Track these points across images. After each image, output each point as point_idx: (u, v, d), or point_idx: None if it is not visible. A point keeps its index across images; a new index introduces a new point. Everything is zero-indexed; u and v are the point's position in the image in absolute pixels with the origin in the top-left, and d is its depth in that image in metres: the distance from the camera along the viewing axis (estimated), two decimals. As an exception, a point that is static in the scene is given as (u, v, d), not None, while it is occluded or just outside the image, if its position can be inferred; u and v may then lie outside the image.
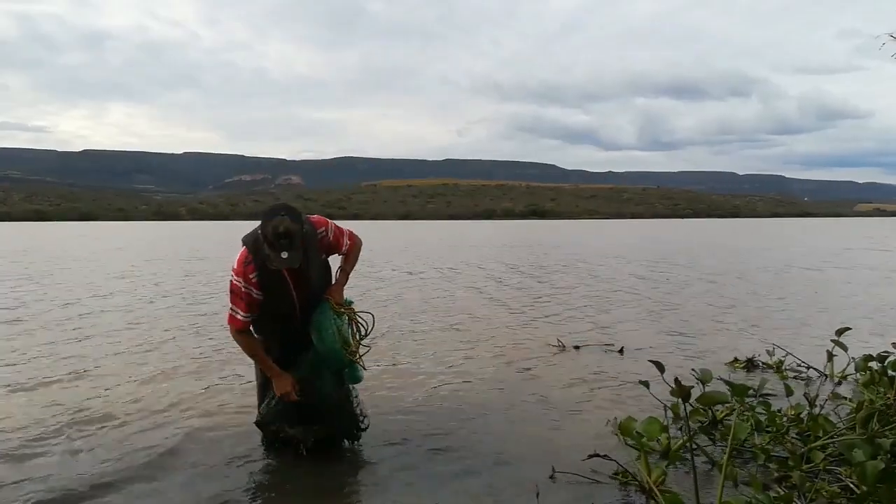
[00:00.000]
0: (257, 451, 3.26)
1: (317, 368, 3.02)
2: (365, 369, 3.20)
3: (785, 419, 3.39)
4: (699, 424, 3.29)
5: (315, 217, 3.05)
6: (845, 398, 3.94)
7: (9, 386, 4.54)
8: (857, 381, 4.27)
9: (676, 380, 2.39)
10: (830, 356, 4.61)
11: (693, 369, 2.90)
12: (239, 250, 2.92)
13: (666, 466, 2.85)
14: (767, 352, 5.25)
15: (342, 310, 3.04)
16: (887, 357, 3.82)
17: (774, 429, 3.22)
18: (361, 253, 3.28)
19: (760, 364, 5.11)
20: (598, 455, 3.02)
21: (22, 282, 12.11)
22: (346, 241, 3.14)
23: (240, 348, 3.06)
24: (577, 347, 5.83)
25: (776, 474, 2.82)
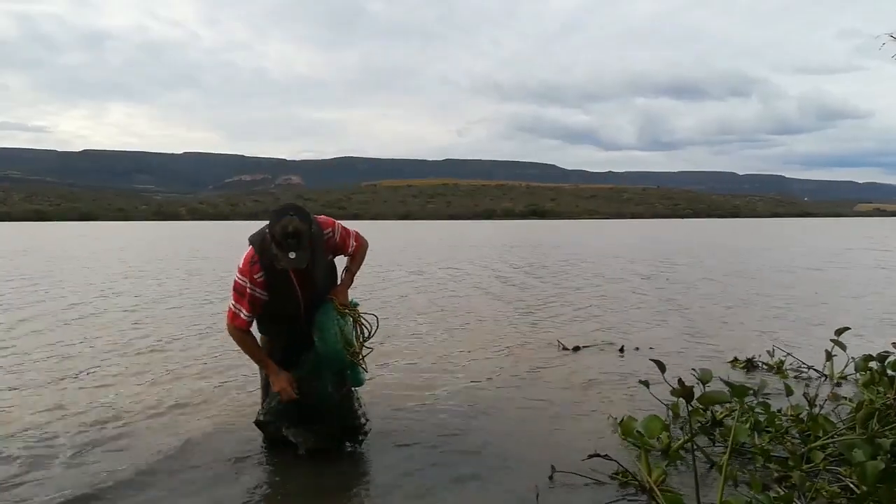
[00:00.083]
0: (259, 452, 3.27)
1: (318, 369, 3.02)
2: (366, 371, 3.20)
3: (785, 419, 3.40)
4: (699, 424, 3.30)
5: (322, 217, 3.04)
6: (845, 398, 3.95)
7: (13, 387, 4.54)
8: (857, 381, 4.27)
9: (679, 380, 2.40)
10: (829, 356, 4.61)
11: (693, 369, 2.91)
12: (245, 250, 2.91)
13: (666, 466, 2.85)
14: (768, 352, 5.26)
15: (346, 311, 3.03)
16: (887, 357, 3.82)
17: (774, 429, 3.22)
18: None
19: (760, 364, 5.11)
20: (598, 455, 3.02)
21: (25, 282, 12.12)
22: (352, 242, 3.13)
23: (238, 347, 3.06)
24: (576, 348, 5.82)
25: (776, 474, 2.82)
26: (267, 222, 2.82)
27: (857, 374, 4.22)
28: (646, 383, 2.84)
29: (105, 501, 2.75)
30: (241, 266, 2.88)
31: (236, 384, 4.57)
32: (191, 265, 16.53)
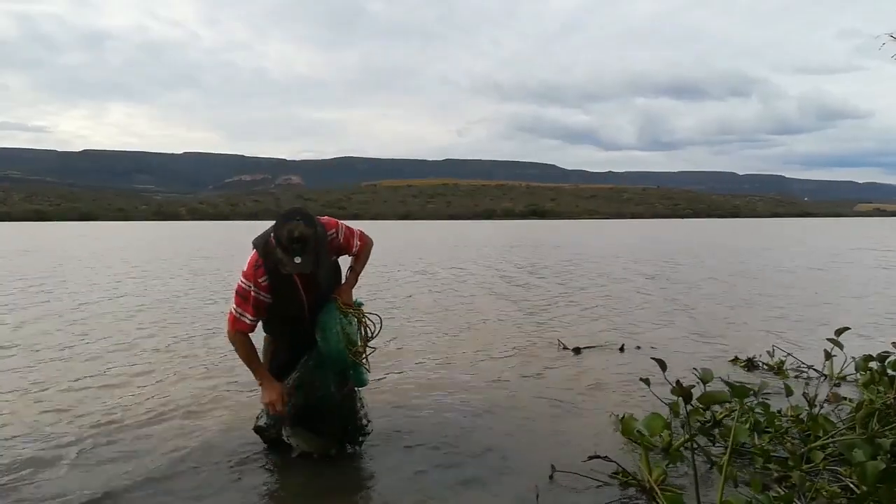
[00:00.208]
0: (260, 453, 3.27)
1: (321, 369, 3.02)
2: (369, 371, 3.20)
3: (785, 420, 3.40)
4: (699, 424, 3.30)
5: (325, 218, 3.03)
6: (845, 398, 3.95)
7: (18, 388, 4.54)
8: (857, 381, 4.27)
9: (678, 381, 2.40)
10: (829, 356, 4.61)
11: (694, 369, 2.91)
12: (249, 253, 2.91)
13: (667, 465, 2.85)
14: (768, 352, 5.26)
15: (349, 310, 3.04)
16: (887, 357, 3.82)
17: (774, 430, 3.22)
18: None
19: (761, 364, 5.12)
20: (598, 457, 3.02)
21: (27, 283, 12.12)
22: (356, 241, 3.13)
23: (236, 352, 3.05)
24: (577, 349, 5.82)
25: (776, 474, 2.82)
26: (270, 224, 2.82)
27: (858, 374, 4.23)
28: (646, 381, 2.84)
29: (105, 501, 2.75)
30: (245, 270, 2.88)
31: (239, 385, 4.57)
32: (194, 265, 16.53)
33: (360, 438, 3.27)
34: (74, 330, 6.90)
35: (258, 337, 3.10)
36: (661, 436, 3.06)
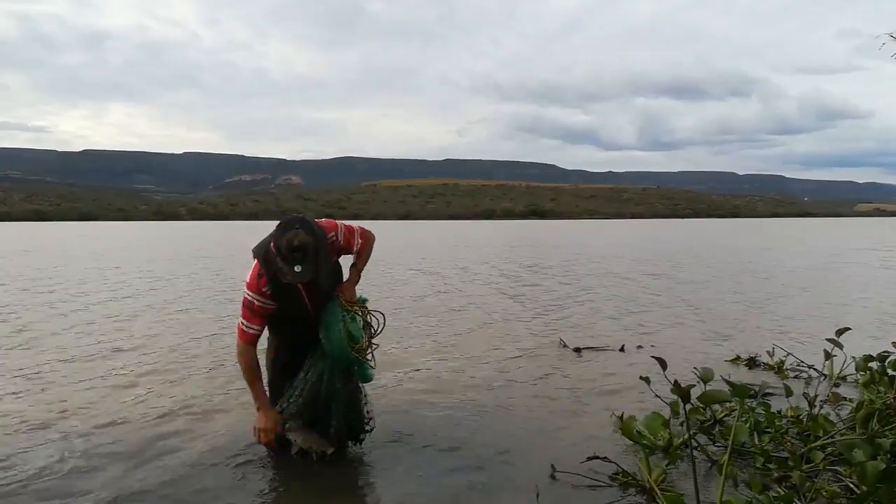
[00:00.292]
0: (262, 453, 3.26)
1: (325, 367, 3.03)
2: (374, 368, 3.21)
3: (785, 420, 3.40)
4: (699, 423, 3.30)
5: (324, 221, 3.03)
6: (845, 398, 3.95)
7: (25, 390, 4.54)
8: (857, 381, 4.27)
9: (676, 381, 2.40)
10: (829, 356, 4.62)
11: (695, 367, 2.91)
12: (251, 264, 2.92)
13: (667, 465, 2.85)
14: (768, 352, 5.26)
15: (352, 307, 3.04)
16: (887, 357, 3.82)
17: (774, 430, 3.22)
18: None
19: (762, 364, 5.12)
20: (597, 457, 3.02)
21: (30, 283, 12.12)
22: (357, 239, 3.12)
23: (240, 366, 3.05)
24: (578, 350, 5.82)
25: (776, 474, 2.82)
26: (270, 224, 2.82)
27: (858, 374, 4.23)
28: (646, 379, 2.84)
29: (109, 501, 2.75)
30: (248, 281, 2.90)
31: (244, 385, 4.55)
32: (196, 265, 16.54)
33: (362, 436, 3.27)
34: (81, 330, 6.89)
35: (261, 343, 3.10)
36: (660, 435, 3.06)
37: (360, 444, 3.30)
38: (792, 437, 3.20)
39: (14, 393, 4.41)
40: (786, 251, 21.94)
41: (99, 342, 6.19)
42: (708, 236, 38.58)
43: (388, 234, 41.30)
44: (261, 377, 3.05)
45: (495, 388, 4.53)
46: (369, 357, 3.10)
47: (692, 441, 2.55)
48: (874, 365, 3.91)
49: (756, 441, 3.16)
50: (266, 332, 3.19)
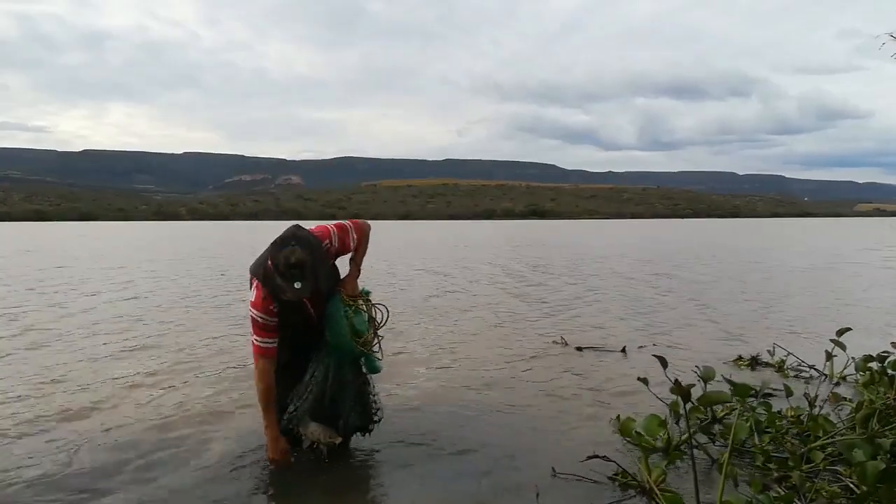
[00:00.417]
0: (264, 451, 3.26)
1: (332, 364, 3.04)
2: (381, 359, 3.22)
3: (785, 420, 3.40)
4: (698, 423, 3.30)
5: (317, 229, 3.03)
6: (845, 398, 3.95)
7: (32, 392, 4.53)
8: (857, 381, 4.27)
9: (676, 380, 2.40)
10: (829, 356, 4.62)
11: (696, 367, 2.91)
12: (252, 282, 2.94)
13: (666, 466, 2.85)
14: (768, 351, 5.26)
15: (354, 301, 3.06)
16: (887, 357, 3.82)
17: (774, 429, 3.22)
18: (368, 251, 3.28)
19: (763, 363, 5.12)
20: (597, 456, 3.02)
21: (32, 283, 12.12)
22: (352, 237, 3.12)
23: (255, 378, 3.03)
24: (579, 349, 5.82)
25: (776, 474, 2.82)
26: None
27: (858, 375, 4.23)
28: (644, 380, 2.84)
29: (105, 501, 2.76)
30: (253, 301, 2.90)
31: (250, 384, 4.56)
32: (200, 265, 16.52)
33: (371, 426, 3.28)
34: (87, 331, 6.87)
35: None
36: (659, 436, 3.06)
37: (369, 434, 3.31)
38: (792, 437, 3.20)
39: (22, 394, 4.41)
40: (786, 251, 21.94)
41: (105, 343, 6.18)
42: (708, 236, 38.57)
43: (389, 234, 41.31)
44: (275, 401, 3.00)
45: (502, 388, 4.53)
46: (375, 349, 3.13)
47: (692, 440, 2.55)
48: (874, 365, 3.91)
49: (756, 441, 3.16)
50: None
